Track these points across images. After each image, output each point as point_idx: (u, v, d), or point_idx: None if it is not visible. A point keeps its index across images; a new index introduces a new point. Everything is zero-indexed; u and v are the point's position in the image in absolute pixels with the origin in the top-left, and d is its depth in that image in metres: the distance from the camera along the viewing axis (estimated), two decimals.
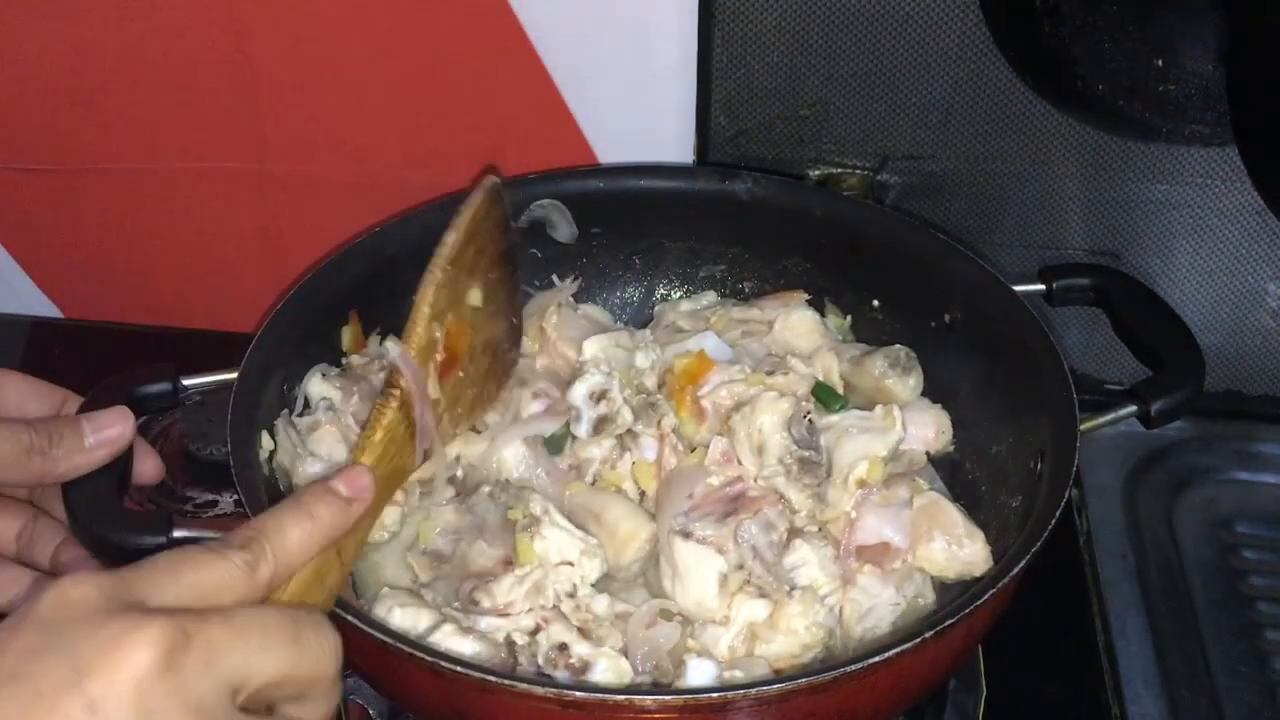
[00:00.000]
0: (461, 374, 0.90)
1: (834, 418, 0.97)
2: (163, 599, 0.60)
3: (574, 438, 0.95)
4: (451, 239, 0.87)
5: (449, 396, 0.88)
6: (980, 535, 0.90)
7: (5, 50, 1.19)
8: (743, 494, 0.91)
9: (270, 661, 0.61)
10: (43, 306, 1.36)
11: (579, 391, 0.95)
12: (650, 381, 1.00)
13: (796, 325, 1.06)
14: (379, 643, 0.75)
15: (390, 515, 0.92)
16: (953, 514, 0.91)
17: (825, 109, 1.16)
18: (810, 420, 0.95)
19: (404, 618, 0.83)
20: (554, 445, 0.95)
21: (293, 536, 0.68)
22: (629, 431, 0.95)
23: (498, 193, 0.93)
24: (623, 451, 0.94)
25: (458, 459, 0.96)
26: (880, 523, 0.91)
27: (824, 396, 0.98)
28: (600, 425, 0.95)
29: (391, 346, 0.87)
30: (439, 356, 0.86)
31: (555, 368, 1.03)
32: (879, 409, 0.97)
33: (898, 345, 1.03)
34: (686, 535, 0.88)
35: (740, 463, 0.93)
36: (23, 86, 1.21)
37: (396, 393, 0.82)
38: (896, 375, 1.01)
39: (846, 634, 0.88)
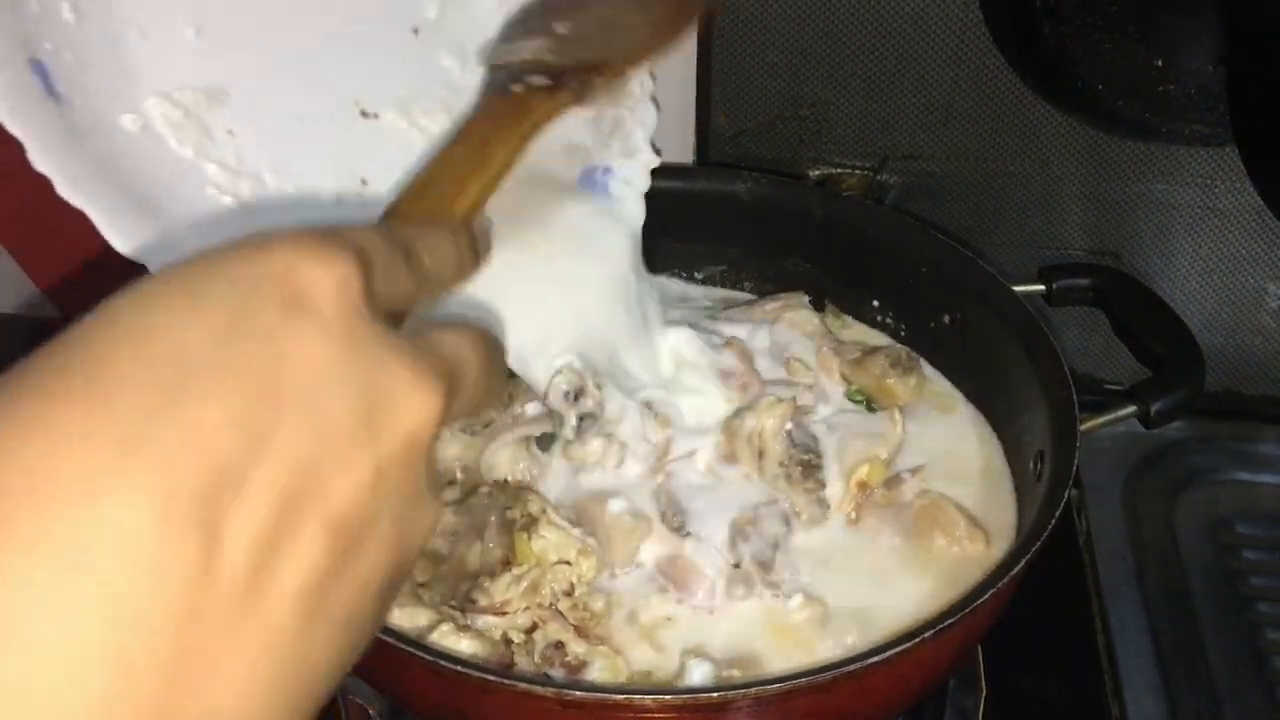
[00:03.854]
0: None
1: (835, 419, 0.98)
2: None
3: (565, 440, 0.95)
4: None
5: None
6: (981, 535, 0.91)
7: None
8: (742, 496, 0.91)
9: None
10: (43, 306, 1.36)
11: (554, 393, 0.95)
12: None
13: (797, 326, 1.06)
14: (379, 641, 0.75)
15: None
16: (953, 514, 0.91)
17: (825, 109, 1.16)
18: (810, 423, 0.95)
19: (402, 617, 0.83)
20: (545, 444, 0.95)
21: None
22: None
23: None
24: (618, 451, 0.94)
25: (458, 461, 0.97)
26: (881, 524, 0.92)
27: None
28: (584, 424, 0.95)
29: None
30: None
31: None
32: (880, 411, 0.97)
33: (899, 344, 1.04)
34: (684, 533, 0.88)
35: (740, 466, 0.93)
36: None
37: None
38: (898, 375, 1.01)
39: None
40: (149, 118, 0.75)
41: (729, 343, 1.00)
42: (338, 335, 0.38)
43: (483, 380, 0.46)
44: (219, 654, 0.33)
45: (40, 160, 0.68)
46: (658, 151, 0.98)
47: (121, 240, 0.73)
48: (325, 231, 0.40)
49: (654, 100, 0.97)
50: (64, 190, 0.70)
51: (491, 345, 0.47)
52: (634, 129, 0.97)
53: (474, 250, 0.52)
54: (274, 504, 0.34)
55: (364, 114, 0.82)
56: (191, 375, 0.35)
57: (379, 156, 0.85)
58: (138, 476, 0.32)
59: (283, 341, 0.37)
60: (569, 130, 0.93)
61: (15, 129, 0.68)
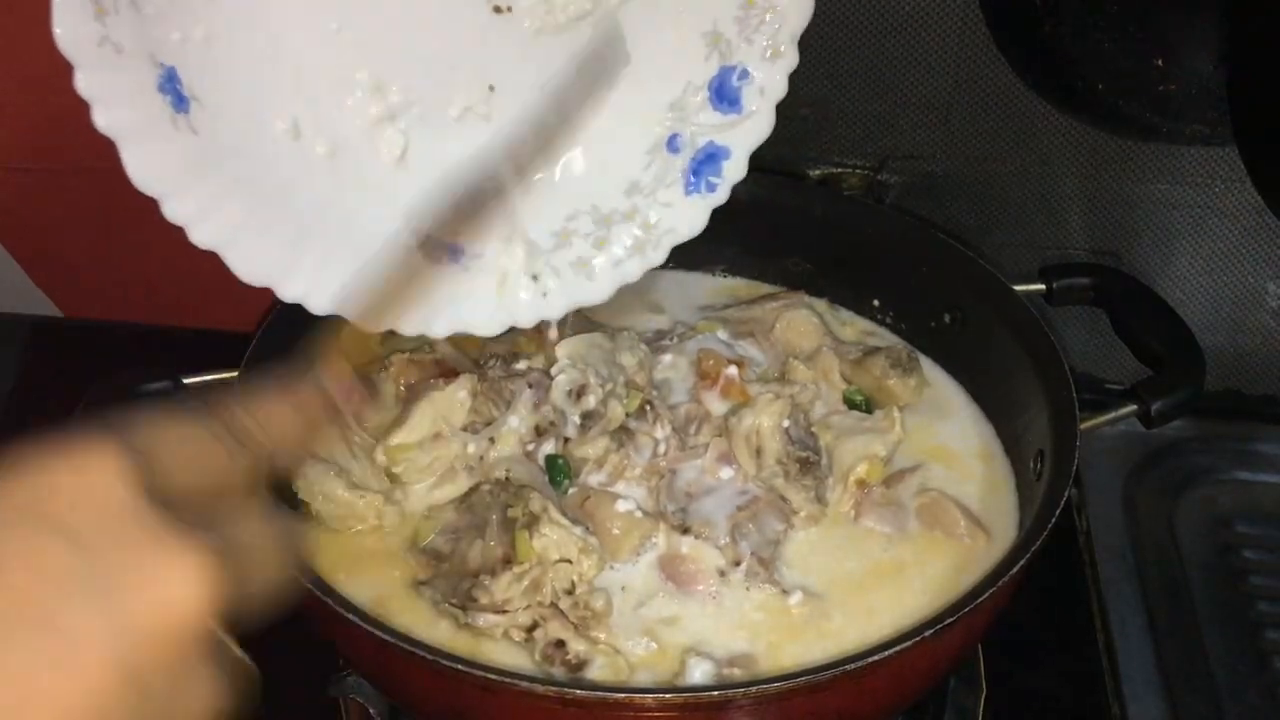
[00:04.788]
0: None
1: (833, 418, 0.98)
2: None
3: (567, 439, 0.95)
4: None
5: None
6: (981, 534, 0.91)
7: (4, 49, 1.19)
8: (741, 494, 0.91)
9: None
10: (43, 306, 1.36)
11: (557, 391, 0.95)
12: (642, 379, 1.00)
13: (797, 325, 1.07)
14: (379, 641, 0.75)
15: (390, 515, 0.93)
16: (953, 512, 0.91)
17: (825, 108, 1.16)
18: (808, 421, 0.95)
19: (404, 616, 0.83)
20: (556, 479, 0.95)
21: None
22: (624, 429, 0.95)
23: None
24: (619, 449, 0.94)
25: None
26: (881, 521, 0.92)
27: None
28: (587, 422, 0.95)
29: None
30: None
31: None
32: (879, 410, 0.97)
33: (899, 344, 1.04)
34: (685, 530, 0.88)
35: (739, 464, 0.93)
36: (22, 86, 1.21)
37: None
38: (898, 375, 1.01)
39: None
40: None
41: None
42: (86, 541, 0.41)
43: (270, 563, 0.49)
44: None
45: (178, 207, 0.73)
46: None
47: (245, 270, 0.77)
48: (95, 442, 0.44)
49: None
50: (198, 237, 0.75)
51: (285, 533, 0.51)
52: (784, 24, 0.85)
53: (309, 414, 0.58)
54: None
55: (497, 9, 0.80)
56: None
57: (506, 61, 0.82)
58: None
59: (16, 564, 0.41)
60: (714, 12, 0.85)
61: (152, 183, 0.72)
